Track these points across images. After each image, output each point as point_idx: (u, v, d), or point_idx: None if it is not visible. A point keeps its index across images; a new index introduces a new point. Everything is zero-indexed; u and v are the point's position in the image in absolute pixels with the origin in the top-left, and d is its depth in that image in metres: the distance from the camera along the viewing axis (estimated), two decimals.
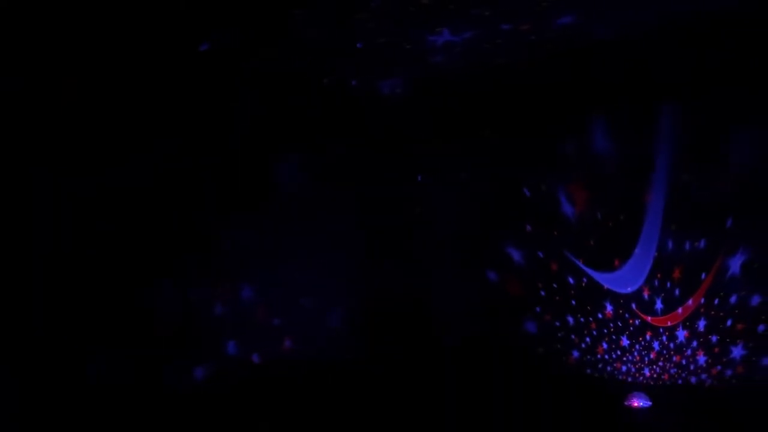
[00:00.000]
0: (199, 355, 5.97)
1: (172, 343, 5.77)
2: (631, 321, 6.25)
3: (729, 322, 5.88)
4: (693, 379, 6.04)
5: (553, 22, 5.36)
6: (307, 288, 6.59)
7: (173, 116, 5.77)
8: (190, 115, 5.86)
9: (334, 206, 6.72)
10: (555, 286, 6.53)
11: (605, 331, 6.36)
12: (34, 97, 5.05)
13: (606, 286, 6.32)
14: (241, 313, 6.33)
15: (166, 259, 5.76)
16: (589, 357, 6.44)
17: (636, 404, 5.78)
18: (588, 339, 6.43)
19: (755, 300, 5.78)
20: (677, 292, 6.05)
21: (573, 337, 6.49)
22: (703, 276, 5.92)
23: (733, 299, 5.86)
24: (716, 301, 5.91)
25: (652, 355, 6.18)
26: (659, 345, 6.16)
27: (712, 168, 5.84)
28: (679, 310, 6.02)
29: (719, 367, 5.93)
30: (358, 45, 5.66)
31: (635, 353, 6.24)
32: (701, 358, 6.00)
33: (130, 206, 5.63)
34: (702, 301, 5.95)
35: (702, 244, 5.92)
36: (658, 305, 6.13)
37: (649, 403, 5.78)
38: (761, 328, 5.76)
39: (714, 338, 5.93)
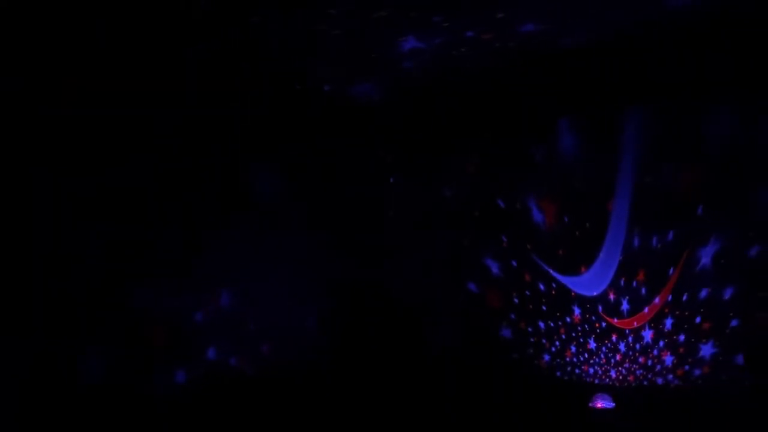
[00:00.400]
0: (177, 360, 5.99)
1: (151, 346, 5.80)
2: (597, 324, 6.30)
3: (696, 321, 5.93)
4: (659, 380, 6.07)
5: (515, 30, 5.43)
6: (283, 293, 6.62)
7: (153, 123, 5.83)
8: (169, 121, 5.92)
9: (310, 211, 6.76)
10: (527, 293, 6.59)
11: (573, 334, 6.40)
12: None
13: (574, 290, 6.38)
14: (218, 318, 6.35)
15: (146, 264, 5.79)
16: (558, 360, 6.48)
17: (600, 405, 5.81)
18: (557, 343, 6.47)
19: (718, 300, 5.83)
20: (643, 292, 6.10)
21: (544, 341, 6.52)
22: (670, 272, 5.97)
23: (698, 298, 5.90)
24: (683, 299, 5.96)
25: (618, 357, 6.22)
26: (625, 347, 6.20)
27: (675, 170, 5.92)
28: (645, 310, 6.06)
29: (686, 367, 5.96)
30: (327, 51, 5.74)
31: (602, 355, 6.28)
32: (668, 359, 6.03)
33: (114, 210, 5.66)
34: (668, 299, 5.99)
35: (666, 245, 5.98)
36: (624, 306, 6.18)
37: (613, 404, 5.82)
38: (726, 326, 5.81)
39: (680, 338, 5.96)
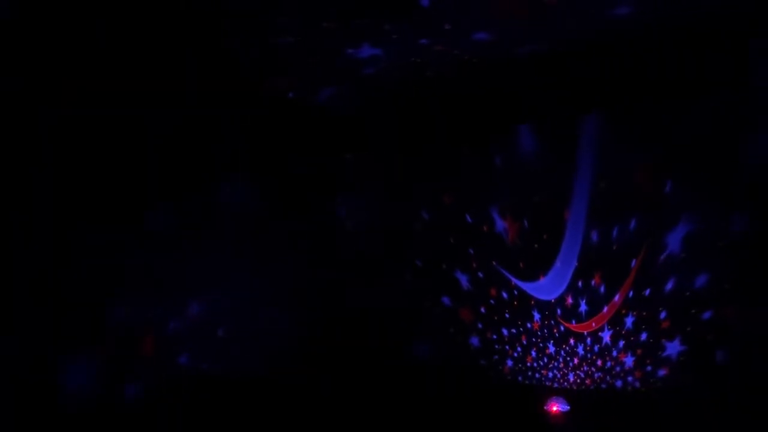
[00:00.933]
0: (145, 369, 5.98)
1: (119, 354, 5.80)
2: (555, 329, 6.32)
3: (654, 321, 5.96)
4: (618, 383, 6.08)
5: (468, 38, 5.51)
6: (250, 303, 6.63)
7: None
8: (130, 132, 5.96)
9: (283, 222, 6.79)
10: (492, 302, 6.62)
11: (534, 339, 6.42)
12: None
13: (534, 296, 6.40)
14: (186, 327, 6.34)
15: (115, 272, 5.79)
16: (520, 365, 6.50)
17: (555, 408, 5.81)
18: (519, 348, 6.49)
19: (677, 299, 5.84)
20: (600, 294, 6.13)
21: (507, 348, 6.55)
22: (625, 275, 6.00)
23: (655, 298, 5.92)
24: (639, 299, 6.00)
25: (575, 361, 6.24)
26: (583, 349, 6.22)
27: (631, 174, 5.97)
28: (604, 310, 6.10)
29: (646, 368, 5.99)
30: (288, 58, 5.80)
31: (560, 359, 6.30)
32: (627, 360, 6.05)
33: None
34: (625, 300, 6.01)
35: (622, 246, 6.02)
36: (582, 309, 6.22)
37: (568, 407, 5.82)
38: (686, 325, 5.83)
39: (639, 338, 6.00)
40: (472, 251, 6.68)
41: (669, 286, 5.81)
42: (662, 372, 5.89)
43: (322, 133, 6.97)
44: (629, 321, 6.01)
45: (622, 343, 6.04)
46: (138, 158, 5.92)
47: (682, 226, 5.78)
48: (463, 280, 6.76)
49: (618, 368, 6.07)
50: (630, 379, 6.03)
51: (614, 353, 6.08)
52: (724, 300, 5.56)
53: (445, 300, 6.90)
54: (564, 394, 6.08)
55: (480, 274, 6.69)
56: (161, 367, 6.00)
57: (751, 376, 5.39)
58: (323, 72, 6.18)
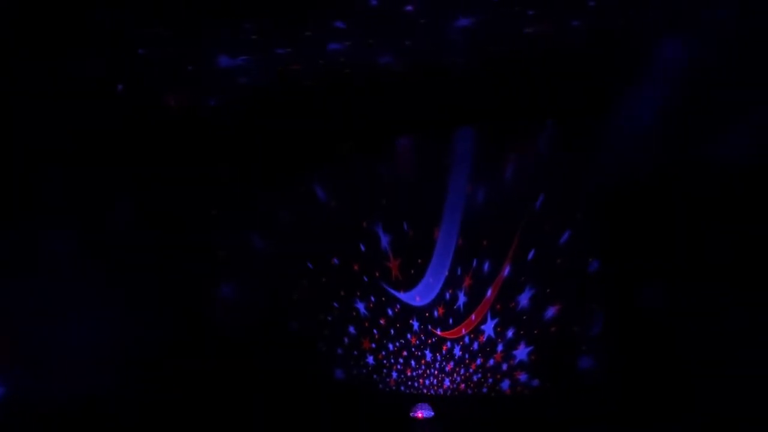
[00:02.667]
0: None
1: None
2: (429, 340, 6.41)
3: (519, 327, 6.09)
4: (484, 388, 6.17)
5: (323, 48, 5.50)
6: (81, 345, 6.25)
7: None
8: None
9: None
10: (382, 322, 6.56)
11: (413, 350, 6.47)
12: None
13: (411, 305, 6.47)
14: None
15: None
16: (402, 376, 6.51)
17: (420, 415, 5.74)
18: (401, 360, 6.52)
19: (540, 308, 5.95)
20: (467, 303, 6.25)
21: (392, 360, 6.55)
22: (491, 283, 6.14)
23: (521, 305, 6.08)
24: (505, 307, 6.15)
25: (448, 368, 6.32)
26: (450, 356, 6.31)
27: (502, 186, 6.15)
28: (472, 317, 6.21)
29: (504, 371, 6.11)
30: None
31: (435, 367, 6.36)
32: (491, 364, 6.16)
33: None
34: (492, 308, 6.11)
35: (491, 256, 6.16)
36: (451, 317, 6.33)
37: (432, 413, 5.76)
38: (547, 331, 5.91)
39: (500, 346, 6.14)
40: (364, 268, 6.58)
41: (529, 294, 5.99)
42: (524, 376, 6.02)
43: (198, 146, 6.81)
44: (494, 327, 6.14)
45: (487, 349, 6.15)
46: None
47: (549, 239, 5.98)
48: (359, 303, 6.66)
49: (482, 372, 6.18)
50: (491, 381, 6.15)
51: (479, 359, 6.20)
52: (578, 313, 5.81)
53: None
54: (439, 400, 6.00)
55: (371, 296, 6.61)
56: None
57: (608, 380, 5.58)
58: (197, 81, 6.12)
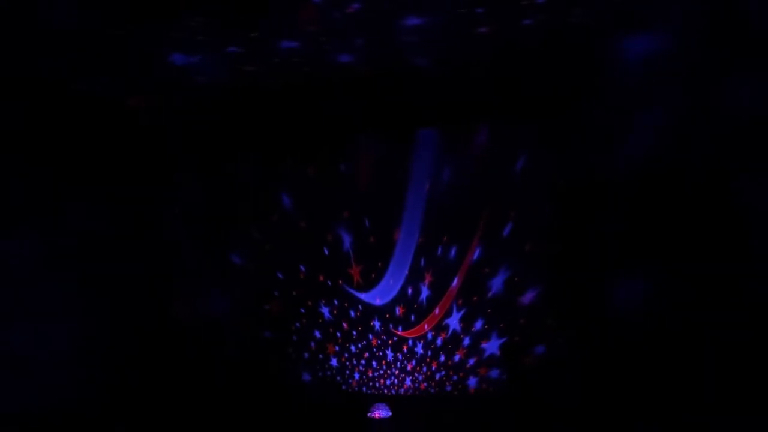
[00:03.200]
0: None
1: None
2: (390, 341, 6.39)
3: (478, 325, 6.08)
4: (448, 386, 6.15)
5: (276, 47, 5.46)
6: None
7: None
8: None
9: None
10: (345, 325, 6.52)
11: (374, 350, 6.45)
12: None
13: (371, 305, 6.43)
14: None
15: None
16: (364, 377, 6.47)
17: (377, 416, 5.70)
18: (363, 361, 6.49)
19: (503, 303, 5.94)
20: (428, 301, 6.25)
21: (355, 362, 6.51)
22: (453, 282, 6.11)
23: (482, 302, 6.01)
24: (466, 304, 6.13)
25: (409, 366, 6.31)
26: (411, 355, 6.30)
27: (461, 185, 6.15)
28: (436, 311, 6.20)
29: (468, 369, 6.11)
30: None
31: (396, 366, 6.35)
32: (455, 361, 6.15)
33: None
34: (451, 306, 6.12)
35: (452, 252, 6.09)
36: (413, 316, 6.33)
37: (390, 413, 5.72)
38: (512, 328, 5.87)
39: (465, 341, 6.14)
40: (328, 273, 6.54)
41: (492, 292, 5.99)
42: (485, 372, 6.02)
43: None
44: (456, 325, 6.12)
45: (449, 346, 6.15)
46: None
47: (503, 240, 5.99)
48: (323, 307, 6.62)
49: (445, 370, 6.17)
50: (456, 378, 6.13)
51: (443, 356, 6.19)
52: (542, 308, 5.81)
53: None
54: (399, 400, 6.02)
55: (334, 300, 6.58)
56: None
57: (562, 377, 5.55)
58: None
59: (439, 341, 6.20)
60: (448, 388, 6.14)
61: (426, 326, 6.22)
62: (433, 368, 6.19)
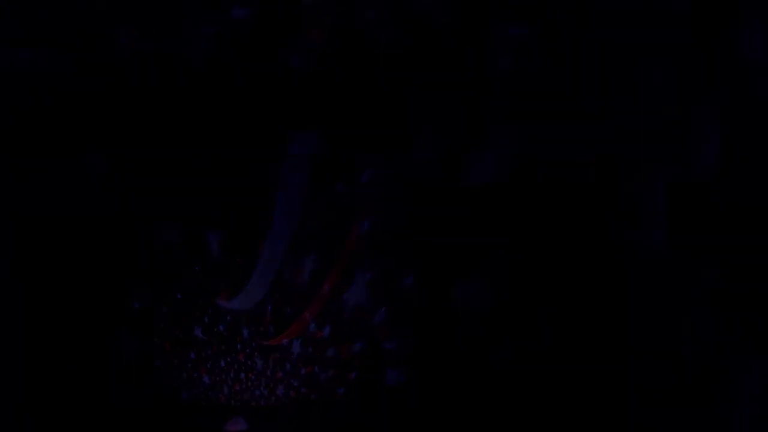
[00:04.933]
0: None
1: None
2: (254, 351, 6.32)
3: (346, 334, 5.99)
4: (314, 395, 6.15)
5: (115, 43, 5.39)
6: None
7: None
8: None
9: None
10: (222, 341, 6.45)
11: (243, 360, 6.38)
12: None
13: (237, 312, 6.31)
14: None
15: None
16: (237, 388, 6.41)
17: (233, 429, 5.69)
18: (232, 374, 6.40)
19: (365, 314, 5.96)
20: (292, 308, 6.18)
21: (224, 376, 6.41)
22: (323, 286, 6.05)
23: (346, 310, 6.01)
24: (333, 310, 6.05)
25: (280, 375, 6.25)
26: (273, 364, 6.28)
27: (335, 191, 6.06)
28: (305, 315, 6.11)
29: (331, 376, 6.01)
30: None
31: (267, 375, 6.34)
32: (316, 371, 6.10)
33: None
34: (317, 312, 6.10)
35: (317, 261, 6.08)
36: (273, 325, 6.23)
37: (245, 426, 5.73)
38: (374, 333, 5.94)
39: (329, 351, 5.99)
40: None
41: (353, 299, 5.78)
42: (348, 376, 5.91)
43: None
44: (324, 331, 6.10)
45: (311, 355, 6.09)
46: None
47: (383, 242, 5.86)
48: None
49: (308, 377, 6.18)
50: (315, 385, 6.14)
51: (303, 367, 6.14)
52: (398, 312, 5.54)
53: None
54: (260, 411, 6.05)
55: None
56: None
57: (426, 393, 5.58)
58: None
59: (300, 348, 6.11)
60: (314, 397, 6.18)
61: (294, 332, 6.28)
62: (302, 372, 6.13)
